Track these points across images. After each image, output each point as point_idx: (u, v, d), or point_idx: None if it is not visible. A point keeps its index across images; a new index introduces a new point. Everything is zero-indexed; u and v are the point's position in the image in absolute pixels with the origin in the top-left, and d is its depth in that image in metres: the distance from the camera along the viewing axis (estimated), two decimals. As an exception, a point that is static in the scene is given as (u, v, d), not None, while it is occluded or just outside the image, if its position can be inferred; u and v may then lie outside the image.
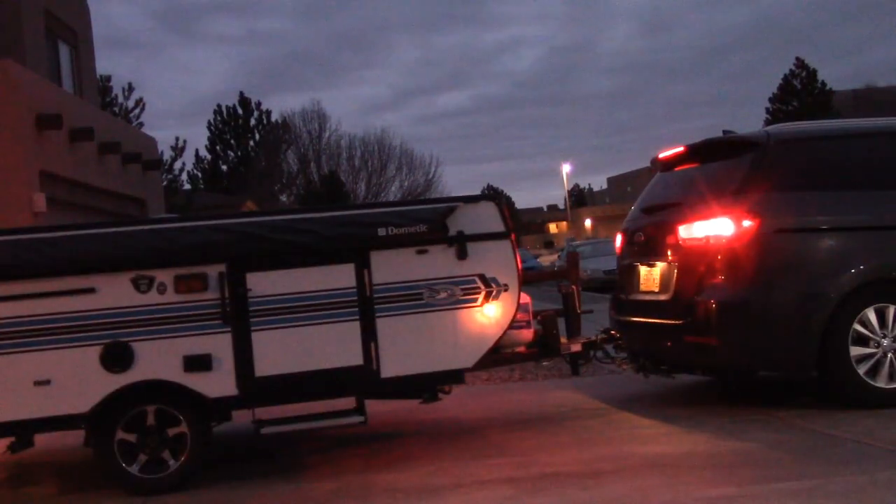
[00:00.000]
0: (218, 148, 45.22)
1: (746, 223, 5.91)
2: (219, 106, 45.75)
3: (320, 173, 47.20)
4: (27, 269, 5.04)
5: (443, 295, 5.52)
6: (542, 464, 5.13)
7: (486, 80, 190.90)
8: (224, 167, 44.81)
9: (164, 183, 22.83)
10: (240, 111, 45.58)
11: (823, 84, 49.86)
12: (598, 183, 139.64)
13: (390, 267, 5.46)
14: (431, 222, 5.50)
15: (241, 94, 46.10)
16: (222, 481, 5.33)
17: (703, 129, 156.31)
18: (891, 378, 5.90)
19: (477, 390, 8.27)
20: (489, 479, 4.86)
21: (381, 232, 5.41)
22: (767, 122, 51.00)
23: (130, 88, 28.58)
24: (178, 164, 31.10)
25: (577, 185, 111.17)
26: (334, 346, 5.34)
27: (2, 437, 5.39)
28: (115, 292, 5.11)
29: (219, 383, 5.18)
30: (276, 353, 5.26)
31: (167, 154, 27.17)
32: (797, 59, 50.73)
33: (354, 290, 5.39)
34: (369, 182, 48.55)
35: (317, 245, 5.36)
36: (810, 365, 5.90)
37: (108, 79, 28.07)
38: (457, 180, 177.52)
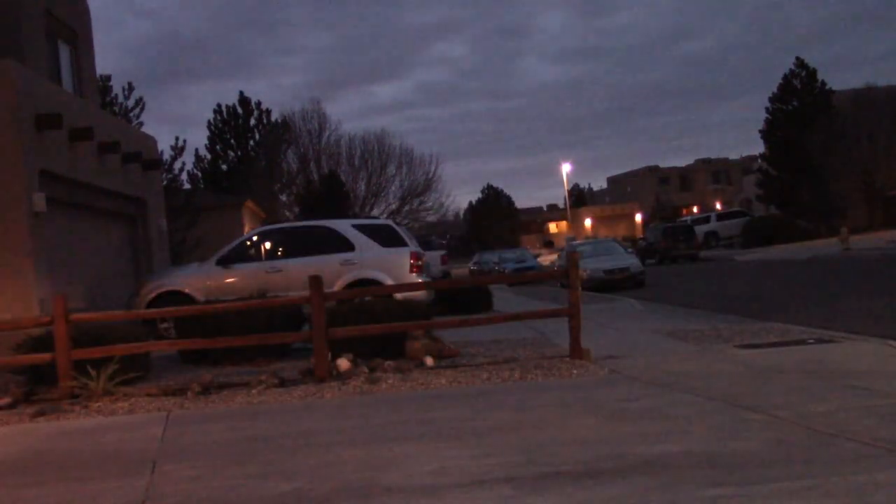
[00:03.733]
0: (218, 148, 45.23)
1: None
2: (219, 105, 45.78)
3: (320, 173, 47.18)
4: None
5: None
6: (542, 464, 5.14)
7: (424, 69, 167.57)
8: (224, 167, 44.81)
9: (164, 182, 22.79)
10: (239, 111, 45.58)
11: (823, 84, 49.76)
12: (599, 182, 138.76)
13: None
14: None
15: (241, 93, 46.12)
16: (221, 481, 5.33)
17: (688, 123, 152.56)
18: None
19: (477, 390, 8.28)
20: (489, 479, 4.87)
21: None
22: (767, 122, 50.91)
23: (130, 88, 28.56)
24: (177, 164, 30.98)
25: (577, 185, 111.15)
26: None
27: None
28: None
29: None
30: None
31: (167, 153, 27.14)
32: (797, 58, 50.54)
33: None
34: (369, 182, 48.56)
35: None
36: None
37: (108, 78, 28.02)
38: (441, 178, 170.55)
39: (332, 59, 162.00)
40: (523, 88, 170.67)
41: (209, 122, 45.54)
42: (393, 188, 49.30)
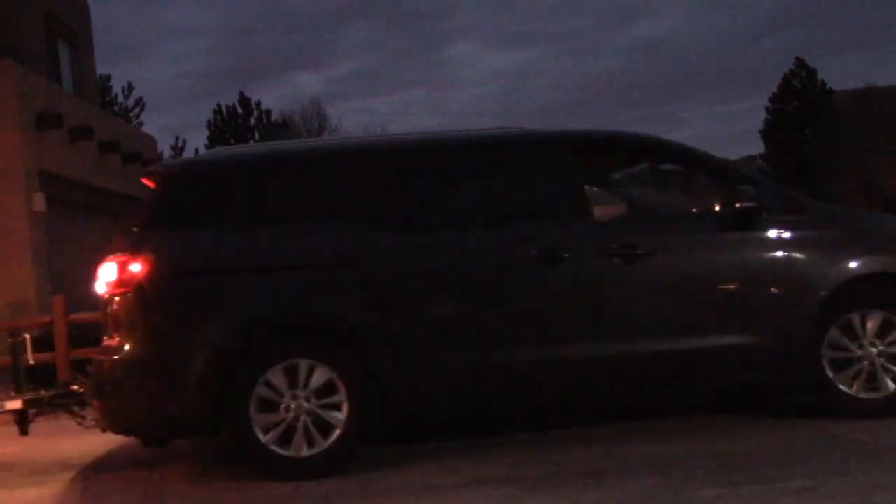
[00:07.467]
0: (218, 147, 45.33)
1: (135, 267, 5.05)
2: (218, 105, 45.82)
3: (320, 173, 47.17)
4: None
5: None
6: (542, 463, 5.13)
7: (336, 56, 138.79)
8: (224, 166, 44.82)
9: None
10: (240, 110, 45.61)
11: (823, 83, 49.81)
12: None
13: None
14: None
15: (241, 93, 46.14)
16: (221, 480, 5.33)
17: (665, 118, 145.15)
18: (308, 446, 5.12)
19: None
20: (489, 479, 4.86)
21: None
22: (768, 123, 50.92)
23: (130, 87, 28.69)
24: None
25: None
26: None
27: None
28: None
29: None
30: None
31: (167, 153, 27.20)
32: (797, 58, 50.62)
33: None
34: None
35: None
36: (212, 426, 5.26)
37: (108, 78, 28.13)
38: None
39: (234, 43, 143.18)
40: (475, 78, 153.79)
41: (209, 121, 45.60)
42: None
